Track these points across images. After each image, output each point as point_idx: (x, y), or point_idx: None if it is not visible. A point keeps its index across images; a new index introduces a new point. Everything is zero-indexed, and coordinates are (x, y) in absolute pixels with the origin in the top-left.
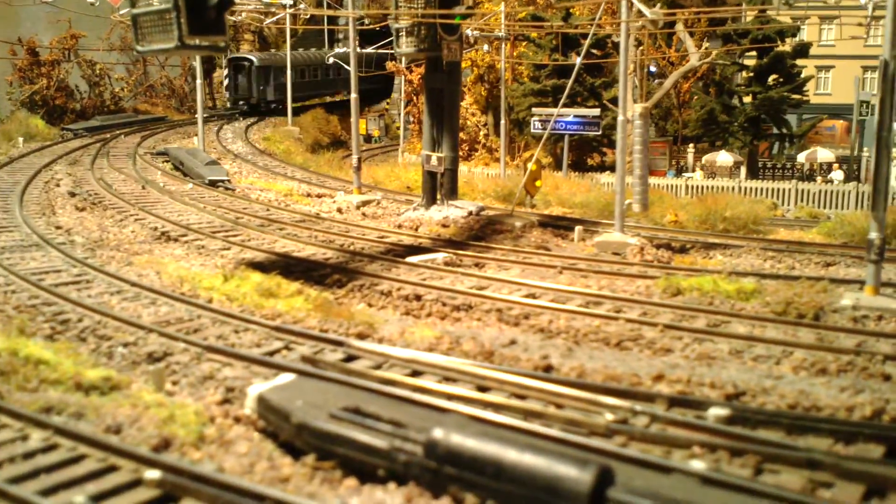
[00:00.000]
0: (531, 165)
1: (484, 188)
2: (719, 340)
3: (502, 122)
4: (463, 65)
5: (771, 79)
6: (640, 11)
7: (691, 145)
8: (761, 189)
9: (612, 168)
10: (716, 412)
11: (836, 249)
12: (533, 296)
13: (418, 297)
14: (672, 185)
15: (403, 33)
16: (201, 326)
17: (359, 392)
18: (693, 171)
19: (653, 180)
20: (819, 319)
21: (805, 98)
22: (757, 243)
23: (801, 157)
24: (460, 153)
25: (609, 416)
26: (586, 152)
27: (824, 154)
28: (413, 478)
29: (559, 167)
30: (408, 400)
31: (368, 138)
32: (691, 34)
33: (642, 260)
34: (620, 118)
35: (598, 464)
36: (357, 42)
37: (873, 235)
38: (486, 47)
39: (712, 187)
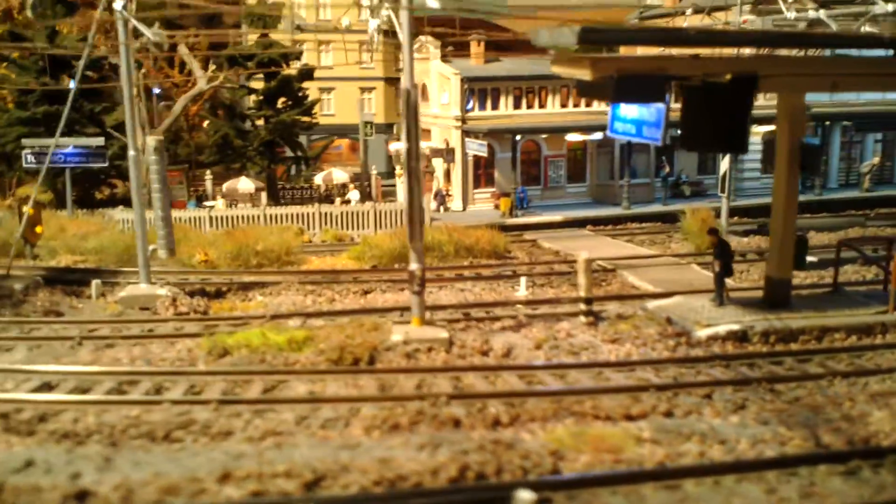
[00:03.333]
0: (27, 209)
1: None
2: (281, 409)
3: None
4: None
5: (280, 102)
6: (137, 32)
7: (208, 172)
8: (286, 215)
9: (124, 202)
10: None
11: (369, 275)
12: (49, 386)
13: None
14: (195, 218)
15: None
16: None
17: None
18: (214, 199)
19: (174, 213)
20: (374, 362)
21: (315, 120)
22: (294, 277)
23: (319, 179)
24: None
25: None
26: (94, 185)
27: (339, 175)
28: None
29: (63, 205)
30: None
31: None
32: (201, 58)
33: (176, 313)
34: (132, 153)
35: None
36: None
37: (414, 267)
38: None
39: (237, 217)
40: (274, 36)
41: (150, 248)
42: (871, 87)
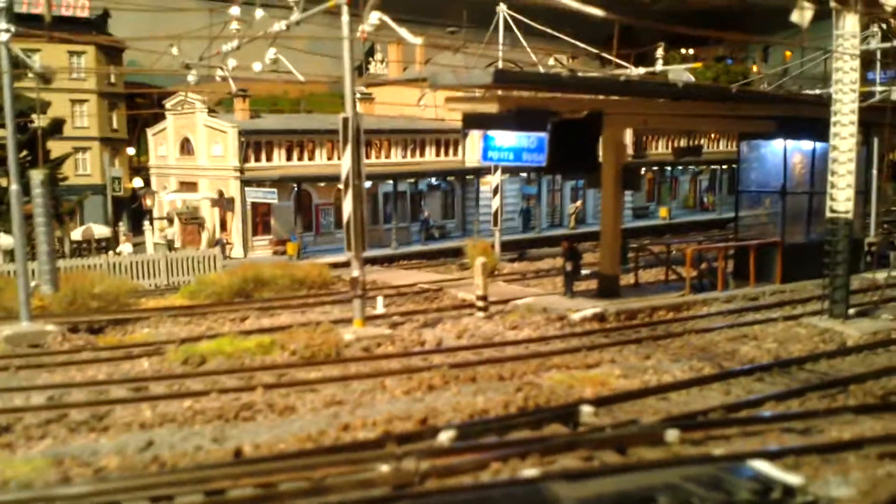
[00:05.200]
0: None
1: None
2: (319, 388)
3: None
4: None
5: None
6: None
7: None
8: (71, 267)
9: None
10: (446, 435)
11: (223, 307)
12: (52, 399)
13: None
14: None
15: None
16: None
17: None
18: None
19: None
20: (340, 355)
21: (65, 176)
22: (155, 313)
23: (77, 234)
24: None
25: (384, 468)
26: None
27: (100, 230)
28: None
29: None
30: None
31: None
32: None
33: (72, 346)
34: (14, 188)
35: None
36: None
37: (356, 274)
38: None
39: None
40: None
41: (32, 284)
42: (669, 124)
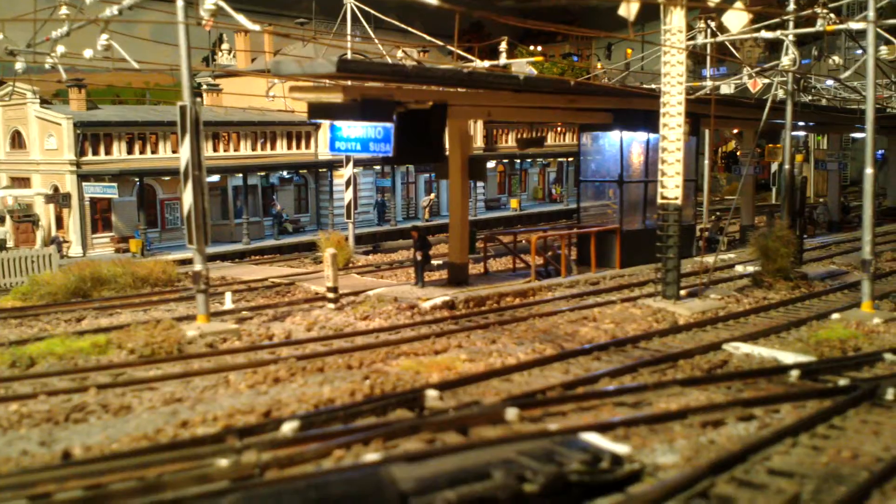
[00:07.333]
0: None
1: None
2: (157, 385)
3: None
4: None
5: None
6: None
7: None
8: None
9: None
10: (290, 426)
11: (57, 308)
12: None
13: None
14: None
15: None
16: None
17: None
18: None
19: None
20: (183, 352)
21: None
22: None
23: None
24: None
25: (224, 462)
26: None
27: None
28: None
29: None
30: None
31: None
32: None
33: None
34: None
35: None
36: None
37: (199, 267)
38: None
39: None
40: None
41: None
42: (513, 116)
